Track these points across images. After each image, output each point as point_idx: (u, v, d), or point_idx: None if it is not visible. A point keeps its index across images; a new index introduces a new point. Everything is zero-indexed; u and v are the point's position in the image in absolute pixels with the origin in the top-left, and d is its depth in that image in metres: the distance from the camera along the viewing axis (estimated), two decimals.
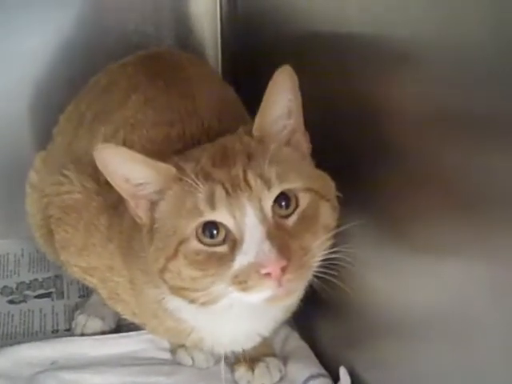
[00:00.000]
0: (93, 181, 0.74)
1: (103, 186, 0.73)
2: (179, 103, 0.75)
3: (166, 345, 0.81)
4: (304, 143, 0.65)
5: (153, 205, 0.62)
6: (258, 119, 0.62)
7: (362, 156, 0.68)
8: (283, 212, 0.59)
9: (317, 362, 0.78)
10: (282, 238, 0.57)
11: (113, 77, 0.84)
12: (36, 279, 0.96)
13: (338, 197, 0.64)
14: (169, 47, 1.02)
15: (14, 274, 0.97)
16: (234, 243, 0.58)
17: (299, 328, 0.83)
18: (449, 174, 0.54)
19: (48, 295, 0.93)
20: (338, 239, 0.64)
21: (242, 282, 0.57)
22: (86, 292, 0.92)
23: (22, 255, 1.00)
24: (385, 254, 0.66)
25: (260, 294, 0.58)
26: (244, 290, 0.57)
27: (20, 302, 0.92)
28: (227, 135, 0.65)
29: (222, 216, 0.58)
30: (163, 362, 0.79)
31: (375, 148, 0.65)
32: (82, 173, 0.75)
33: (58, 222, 0.76)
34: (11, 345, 0.82)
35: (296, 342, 0.81)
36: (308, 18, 0.76)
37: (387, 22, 0.60)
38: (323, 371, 0.76)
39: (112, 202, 0.71)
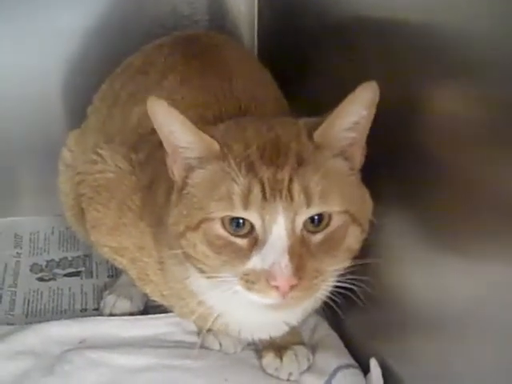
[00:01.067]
0: (126, 161, 0.74)
1: (137, 166, 0.73)
2: (216, 85, 0.75)
3: (194, 328, 0.81)
4: (358, 157, 0.63)
5: (189, 170, 0.62)
6: (325, 124, 0.60)
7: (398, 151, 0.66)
8: (312, 228, 0.58)
9: (346, 352, 0.77)
10: (301, 256, 0.57)
11: (148, 57, 0.84)
12: (65, 257, 0.97)
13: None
14: (205, 29, 1.01)
15: (44, 251, 0.98)
16: (255, 241, 0.58)
17: (329, 317, 0.82)
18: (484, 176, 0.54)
19: (77, 274, 0.94)
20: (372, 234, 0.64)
21: (249, 281, 0.58)
22: (115, 272, 0.92)
23: (52, 233, 1.01)
24: (419, 248, 0.65)
25: (262, 299, 0.58)
26: (249, 289, 0.58)
27: (49, 279, 0.93)
28: (287, 120, 0.64)
29: (252, 216, 0.57)
30: (190, 346, 0.79)
31: (414, 145, 0.63)
32: (116, 153, 0.75)
33: (89, 201, 0.76)
34: (40, 322, 0.82)
35: (325, 331, 0.80)
36: (351, 0, 0.74)
37: (437, 8, 0.58)
38: (353, 362, 0.75)
39: (145, 182, 0.71)
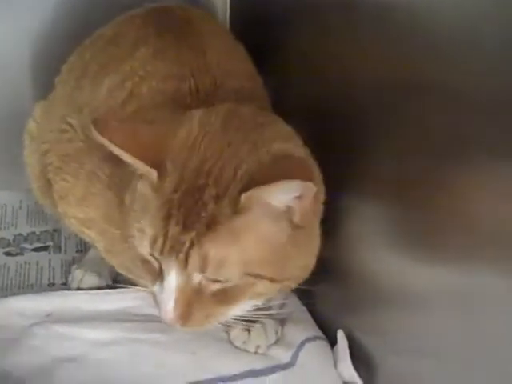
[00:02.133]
0: None
1: None
2: (190, 58, 0.73)
3: None
4: (297, 213, 0.58)
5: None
6: (256, 191, 0.55)
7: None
8: (211, 277, 0.58)
9: (314, 324, 0.77)
10: (190, 304, 0.59)
11: (120, 28, 0.82)
12: (33, 232, 0.95)
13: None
14: (178, 1, 1.00)
15: (12, 226, 0.96)
16: (161, 272, 0.60)
17: (298, 291, 0.82)
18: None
19: (45, 248, 0.93)
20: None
21: (155, 300, 0.62)
22: (84, 247, 0.91)
23: (20, 207, 1.00)
24: (389, 228, 0.65)
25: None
26: (154, 303, 0.62)
27: (16, 254, 0.92)
28: (241, 148, 0.59)
29: (156, 256, 0.59)
30: (158, 319, 0.78)
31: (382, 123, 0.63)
32: (86, 123, 0.74)
33: (56, 170, 0.74)
34: (6, 296, 0.81)
35: (294, 304, 0.80)
36: None
37: None
38: (320, 334, 0.76)
39: None
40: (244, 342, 0.75)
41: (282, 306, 0.80)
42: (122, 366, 0.73)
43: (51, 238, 0.94)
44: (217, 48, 0.77)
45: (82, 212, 0.73)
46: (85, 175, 0.72)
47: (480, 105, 0.50)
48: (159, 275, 0.60)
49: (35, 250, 0.92)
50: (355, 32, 0.67)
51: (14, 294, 0.82)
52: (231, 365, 0.72)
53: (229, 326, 0.74)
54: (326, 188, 0.64)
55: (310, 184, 0.55)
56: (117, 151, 0.58)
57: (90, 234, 0.75)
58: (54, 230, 0.95)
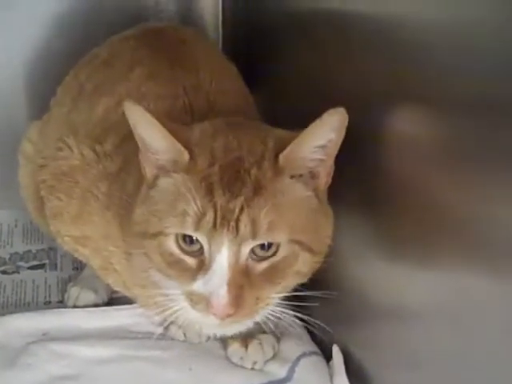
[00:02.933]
0: (92, 151, 0.73)
1: (102, 156, 0.72)
2: (183, 77, 0.75)
3: (159, 319, 0.81)
4: (324, 177, 0.62)
5: (160, 169, 0.61)
6: (291, 149, 0.59)
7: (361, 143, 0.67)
8: (259, 253, 0.59)
9: (310, 340, 0.78)
10: (241, 286, 0.58)
11: (114, 49, 0.83)
12: (29, 250, 0.96)
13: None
14: (170, 20, 1.01)
15: (7, 244, 0.97)
16: (202, 264, 0.59)
17: (293, 306, 0.83)
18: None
19: (41, 266, 0.93)
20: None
21: (192, 300, 0.60)
22: (80, 265, 0.91)
23: (16, 226, 1.00)
24: (381, 243, 0.66)
25: (203, 319, 0.61)
26: (193, 307, 0.60)
27: (13, 272, 0.92)
28: (259, 134, 0.62)
29: (201, 238, 0.58)
30: (156, 337, 0.79)
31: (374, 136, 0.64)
32: (82, 143, 0.74)
33: (50, 189, 0.75)
34: (3, 315, 0.81)
35: (289, 320, 0.80)
36: None
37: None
38: (316, 349, 0.76)
39: (113, 169, 0.70)
40: (241, 358, 0.75)
41: (278, 320, 0.81)
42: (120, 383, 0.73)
43: (47, 256, 0.94)
44: (209, 67, 0.78)
45: (77, 230, 0.74)
46: (79, 194, 0.73)
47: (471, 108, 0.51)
48: (198, 270, 0.59)
49: (31, 268, 0.93)
50: (347, 45, 0.68)
51: (10, 313, 0.82)
52: (228, 381, 0.73)
53: (227, 340, 0.76)
54: None
55: (342, 112, 0.57)
56: (153, 128, 0.58)
57: (84, 252, 0.75)
58: (50, 248, 0.95)
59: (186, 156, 0.59)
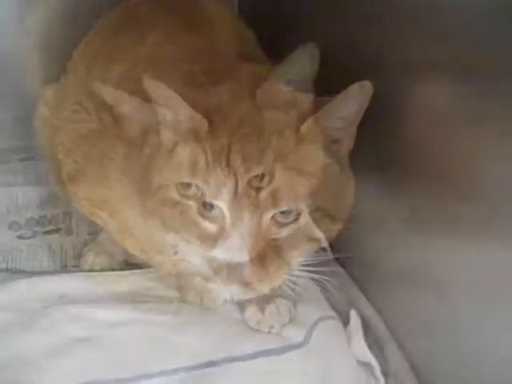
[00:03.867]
0: (109, 114, 0.72)
1: (121, 119, 0.71)
2: (200, 41, 0.74)
3: (175, 283, 0.81)
4: (346, 142, 0.63)
5: (179, 137, 0.60)
6: (315, 118, 0.58)
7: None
8: (280, 220, 0.58)
9: (327, 304, 0.77)
10: (263, 257, 0.57)
11: (128, 14, 0.82)
12: (45, 216, 0.95)
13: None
14: None
15: (23, 210, 0.96)
16: (223, 230, 0.58)
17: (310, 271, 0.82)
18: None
19: (57, 231, 0.93)
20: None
21: (213, 267, 0.59)
22: (95, 230, 0.91)
23: (31, 192, 0.99)
24: (398, 209, 0.66)
25: (225, 286, 0.60)
26: (213, 273, 0.60)
27: (29, 237, 0.92)
28: (285, 102, 0.61)
29: (222, 206, 0.58)
30: (171, 301, 0.79)
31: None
32: (98, 106, 0.74)
33: (67, 151, 0.74)
34: (20, 279, 0.81)
35: (306, 283, 0.80)
36: None
37: None
38: (333, 313, 0.76)
39: (132, 133, 0.69)
40: (258, 322, 0.75)
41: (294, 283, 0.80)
42: (135, 347, 0.73)
43: (63, 221, 0.94)
44: (225, 31, 0.77)
45: (94, 193, 0.73)
46: (97, 157, 0.72)
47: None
48: (218, 236, 0.59)
49: (47, 232, 0.93)
50: (365, 13, 0.67)
51: (27, 277, 0.82)
52: (244, 344, 0.73)
53: (244, 304, 0.76)
54: None
55: (368, 85, 0.57)
56: (170, 97, 0.58)
57: (101, 216, 0.75)
58: (65, 213, 0.95)
59: (206, 125, 0.58)
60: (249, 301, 0.75)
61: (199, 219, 0.59)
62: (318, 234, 0.60)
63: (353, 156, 0.64)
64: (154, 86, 0.58)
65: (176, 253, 0.68)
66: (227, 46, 0.74)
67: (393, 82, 0.63)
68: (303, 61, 0.59)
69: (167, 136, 0.62)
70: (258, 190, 0.56)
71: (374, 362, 0.70)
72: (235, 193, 0.57)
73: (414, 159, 0.63)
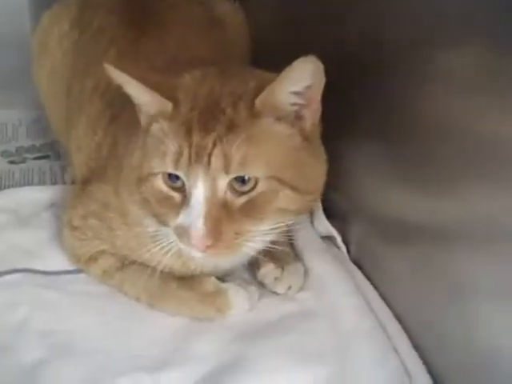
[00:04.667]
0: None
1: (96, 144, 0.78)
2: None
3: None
4: (309, 119, 0.63)
5: (150, 119, 0.64)
6: (266, 93, 0.60)
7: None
8: (238, 188, 0.60)
9: None
10: (219, 220, 0.60)
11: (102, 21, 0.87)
12: (34, 145, 1.03)
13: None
14: None
15: (13, 139, 1.04)
16: (184, 199, 0.62)
17: None
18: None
19: (46, 157, 1.00)
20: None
21: (178, 233, 0.62)
22: None
23: (20, 124, 1.07)
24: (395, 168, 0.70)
25: (189, 251, 0.63)
26: (180, 240, 0.62)
27: (20, 162, 0.99)
28: (243, 75, 0.65)
29: (181, 175, 0.61)
30: None
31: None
32: None
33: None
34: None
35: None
36: None
37: None
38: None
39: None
40: (276, 279, 0.75)
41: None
42: None
43: (51, 149, 1.01)
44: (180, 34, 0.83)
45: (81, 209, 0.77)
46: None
47: None
48: (182, 204, 0.61)
49: (37, 158, 1.00)
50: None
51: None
52: None
53: (259, 263, 0.75)
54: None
55: (313, 60, 0.58)
56: (135, 86, 0.62)
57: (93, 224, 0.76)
58: (53, 142, 1.01)
59: (170, 106, 0.62)
60: (265, 258, 0.73)
61: (166, 190, 0.63)
62: (281, 204, 0.62)
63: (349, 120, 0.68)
64: (115, 73, 0.62)
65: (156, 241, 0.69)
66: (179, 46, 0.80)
67: (388, 43, 0.66)
68: (302, 73, 0.60)
69: (142, 118, 0.66)
70: (209, 156, 0.59)
71: (335, 233, 0.78)
72: (189, 160, 0.60)
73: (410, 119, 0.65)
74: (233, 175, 0.60)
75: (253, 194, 0.60)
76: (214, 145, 0.59)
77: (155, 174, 0.63)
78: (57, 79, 0.89)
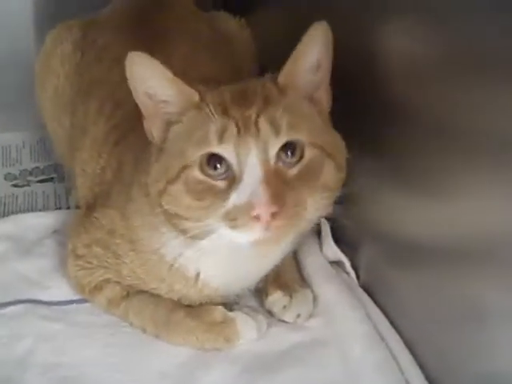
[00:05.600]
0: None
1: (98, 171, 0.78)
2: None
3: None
4: (325, 100, 0.65)
5: (168, 125, 0.64)
6: (286, 67, 0.63)
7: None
8: (287, 160, 0.60)
9: None
10: (278, 185, 0.58)
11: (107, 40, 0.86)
12: (37, 167, 1.01)
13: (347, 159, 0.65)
14: None
15: (17, 162, 1.02)
16: (233, 180, 0.59)
17: None
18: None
19: (50, 180, 0.99)
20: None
21: (232, 219, 0.58)
22: None
23: (24, 147, 1.05)
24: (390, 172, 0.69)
25: (247, 235, 0.59)
26: (233, 227, 0.59)
27: (23, 185, 0.98)
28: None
29: (227, 151, 0.59)
30: None
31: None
32: None
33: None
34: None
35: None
36: None
37: None
38: None
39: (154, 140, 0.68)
40: (284, 307, 0.73)
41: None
42: None
43: (55, 171, 1.00)
44: (186, 52, 0.82)
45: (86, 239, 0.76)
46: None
47: None
48: (229, 188, 0.59)
49: (40, 181, 0.98)
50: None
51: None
52: None
53: (267, 289, 0.74)
54: None
55: (324, 24, 0.60)
56: (161, 75, 0.61)
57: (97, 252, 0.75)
58: (57, 164, 1.00)
59: (196, 96, 0.62)
60: (273, 286, 0.74)
61: (205, 179, 0.60)
62: (326, 178, 0.62)
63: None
64: (142, 60, 0.60)
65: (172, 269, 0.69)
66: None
67: (376, 37, 0.66)
68: (317, 40, 0.62)
69: (156, 129, 0.64)
70: (257, 123, 0.59)
71: (344, 259, 0.76)
72: (238, 132, 0.59)
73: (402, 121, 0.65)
74: (283, 139, 0.59)
75: (302, 162, 0.60)
76: (258, 115, 0.59)
77: (190, 165, 0.60)
78: (60, 101, 0.88)
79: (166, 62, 0.77)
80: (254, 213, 0.57)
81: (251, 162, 0.59)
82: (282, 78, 0.63)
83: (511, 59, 0.49)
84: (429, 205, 0.63)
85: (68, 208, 0.93)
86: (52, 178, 0.99)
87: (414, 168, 0.64)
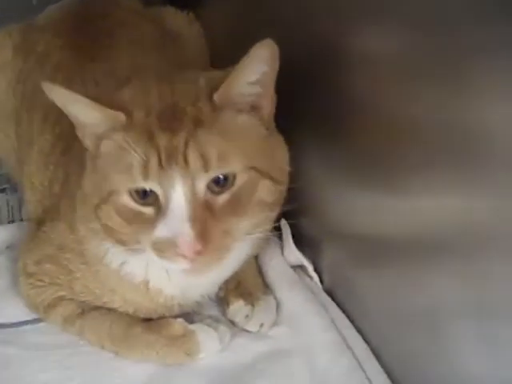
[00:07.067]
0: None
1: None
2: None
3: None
4: (267, 108, 0.62)
5: (99, 139, 0.61)
6: (225, 86, 0.58)
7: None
8: (216, 189, 0.57)
9: None
10: (204, 221, 0.56)
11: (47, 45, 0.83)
12: None
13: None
14: None
15: None
16: (159, 209, 0.58)
17: None
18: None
19: (3, 191, 0.95)
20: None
21: (158, 249, 0.58)
22: None
23: None
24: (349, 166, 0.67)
25: (174, 266, 0.59)
26: (160, 256, 0.58)
27: None
28: (190, 78, 0.62)
29: (152, 185, 0.57)
30: None
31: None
32: None
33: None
34: None
35: None
36: None
37: None
38: None
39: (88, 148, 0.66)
40: (246, 317, 0.71)
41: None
42: None
43: (7, 181, 0.95)
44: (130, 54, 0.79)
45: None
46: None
47: None
48: (156, 216, 0.57)
49: None
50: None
51: None
52: None
53: (228, 298, 0.72)
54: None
55: (270, 43, 0.56)
56: (81, 103, 0.58)
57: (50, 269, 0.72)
58: (9, 174, 0.96)
59: (122, 117, 0.58)
60: (234, 295, 0.72)
61: (135, 206, 0.58)
62: (261, 195, 0.59)
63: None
64: (57, 92, 0.58)
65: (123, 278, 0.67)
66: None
67: (336, 35, 0.64)
68: (260, 60, 0.58)
69: (89, 141, 0.62)
70: (185, 155, 0.56)
71: (306, 263, 0.74)
72: (160, 165, 0.56)
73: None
74: (212, 174, 0.56)
75: (233, 189, 0.58)
76: (187, 144, 0.56)
77: (118, 193, 0.59)
78: (2, 111, 0.84)
79: (111, 68, 0.75)
80: (179, 251, 0.56)
81: (176, 198, 0.56)
82: (219, 96, 0.58)
83: (466, 55, 0.48)
84: (391, 205, 0.62)
85: (21, 220, 0.89)
86: (4, 189, 0.95)
87: (375, 169, 0.63)
